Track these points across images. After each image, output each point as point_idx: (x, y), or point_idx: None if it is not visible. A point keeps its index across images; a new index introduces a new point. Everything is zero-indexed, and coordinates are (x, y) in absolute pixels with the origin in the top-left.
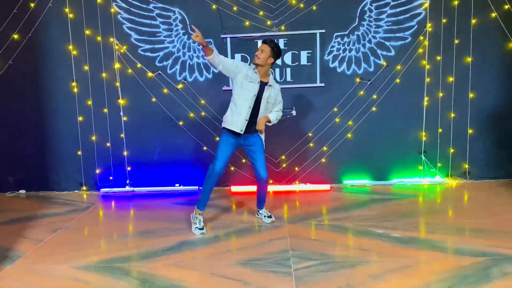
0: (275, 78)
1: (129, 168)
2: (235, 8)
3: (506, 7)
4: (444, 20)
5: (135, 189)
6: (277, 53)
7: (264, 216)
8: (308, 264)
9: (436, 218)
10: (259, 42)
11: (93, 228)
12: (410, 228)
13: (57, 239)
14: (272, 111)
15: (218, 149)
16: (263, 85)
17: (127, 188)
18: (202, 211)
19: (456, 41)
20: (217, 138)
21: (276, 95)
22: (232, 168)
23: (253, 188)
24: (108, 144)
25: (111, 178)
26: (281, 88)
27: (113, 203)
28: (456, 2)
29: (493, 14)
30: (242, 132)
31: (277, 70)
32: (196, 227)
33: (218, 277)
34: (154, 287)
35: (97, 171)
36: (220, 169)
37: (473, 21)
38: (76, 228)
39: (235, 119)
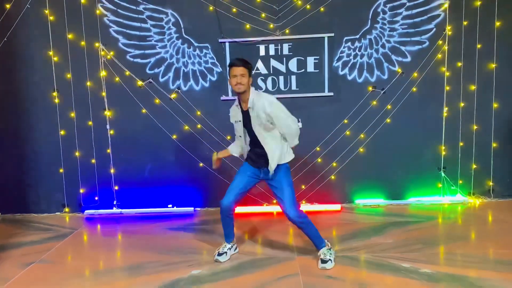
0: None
1: (116, 188)
2: (234, 10)
3: None
4: (465, 23)
5: (123, 210)
6: (251, 67)
7: (320, 259)
8: None
9: (465, 247)
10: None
11: (73, 262)
12: (439, 261)
13: (29, 276)
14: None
15: (232, 181)
16: (245, 113)
17: (114, 210)
18: (227, 243)
19: (479, 46)
20: (215, 153)
21: (263, 110)
22: None
23: (257, 209)
24: (93, 161)
25: (96, 198)
26: (286, 98)
27: (98, 227)
28: (478, 3)
29: None
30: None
31: (281, 78)
32: (218, 251)
33: None
34: None
35: (81, 191)
36: (227, 204)
37: (497, 23)
38: (53, 262)
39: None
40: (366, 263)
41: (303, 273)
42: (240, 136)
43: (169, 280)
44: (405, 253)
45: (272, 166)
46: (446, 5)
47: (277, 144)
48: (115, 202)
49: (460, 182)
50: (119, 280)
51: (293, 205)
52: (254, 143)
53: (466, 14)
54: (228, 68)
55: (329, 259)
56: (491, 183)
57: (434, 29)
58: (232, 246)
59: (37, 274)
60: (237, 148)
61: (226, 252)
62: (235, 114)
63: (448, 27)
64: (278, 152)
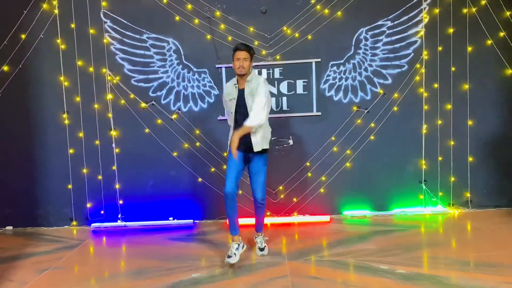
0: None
1: (121, 202)
2: (230, 38)
3: (502, 34)
4: (440, 48)
5: (127, 223)
6: (253, 53)
7: (258, 247)
8: None
9: (440, 252)
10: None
11: (83, 268)
12: (414, 263)
13: (44, 281)
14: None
15: (227, 167)
16: (241, 91)
17: (119, 223)
18: (233, 235)
19: (453, 69)
20: (213, 169)
21: (257, 87)
22: None
23: (251, 220)
24: (100, 177)
25: (102, 212)
26: (278, 117)
27: (104, 239)
28: (451, 30)
29: (489, 42)
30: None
31: (273, 99)
32: (228, 254)
33: None
34: None
35: (88, 205)
36: (231, 189)
37: (469, 48)
38: (65, 268)
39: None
40: (348, 266)
41: (292, 275)
42: (231, 113)
43: (171, 282)
44: (385, 257)
45: (255, 142)
46: (422, 33)
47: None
48: (119, 216)
49: (440, 194)
50: (125, 283)
51: (263, 190)
52: (243, 123)
53: (440, 40)
54: (232, 52)
55: (265, 246)
56: (468, 195)
57: (412, 54)
58: (239, 245)
59: (52, 278)
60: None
61: (235, 253)
62: (231, 92)
63: (424, 52)
64: (261, 132)
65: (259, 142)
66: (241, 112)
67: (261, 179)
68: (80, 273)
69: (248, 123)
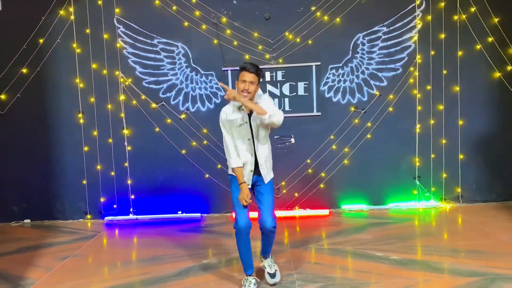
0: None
1: (132, 196)
2: (235, 43)
3: (490, 39)
4: (432, 52)
5: (139, 217)
6: (262, 76)
7: (267, 272)
8: (313, 287)
9: (432, 241)
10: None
11: (102, 256)
12: (407, 251)
13: (67, 266)
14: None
15: (234, 201)
16: (250, 114)
17: (131, 216)
18: (249, 275)
19: (445, 72)
20: (219, 166)
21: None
22: None
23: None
24: (113, 173)
25: (115, 206)
26: None
27: (117, 231)
28: (443, 36)
29: (478, 46)
30: (248, 183)
31: (276, 100)
32: None
33: None
34: None
35: (102, 200)
36: (245, 224)
37: (460, 53)
38: (85, 256)
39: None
40: (346, 253)
41: (295, 261)
42: (249, 139)
43: (184, 267)
44: (380, 246)
45: (264, 174)
46: (416, 38)
47: (269, 153)
48: (131, 209)
49: (433, 189)
50: (142, 268)
51: (273, 214)
52: (261, 149)
53: (433, 45)
54: (239, 70)
55: (275, 270)
56: (459, 190)
57: (406, 58)
58: (256, 281)
59: (74, 264)
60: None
61: None
62: (238, 116)
63: (418, 56)
64: (269, 163)
65: (268, 173)
66: (257, 135)
67: (271, 199)
68: (101, 260)
69: (270, 114)
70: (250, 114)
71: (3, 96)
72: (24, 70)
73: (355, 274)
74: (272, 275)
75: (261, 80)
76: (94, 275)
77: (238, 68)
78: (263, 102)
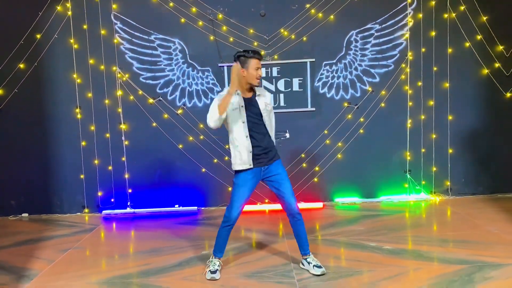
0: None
1: (130, 190)
2: (231, 39)
3: (479, 37)
4: (423, 49)
5: (136, 210)
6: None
7: (313, 265)
8: (309, 275)
9: (422, 232)
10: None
11: (102, 248)
12: (399, 241)
13: (69, 258)
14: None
15: (234, 193)
16: (248, 100)
17: (128, 210)
18: (217, 258)
19: (435, 68)
20: (215, 160)
21: (267, 100)
22: (230, 189)
23: (251, 207)
24: (110, 168)
25: (112, 200)
26: (275, 113)
27: (114, 225)
28: (433, 33)
29: (467, 44)
30: (251, 166)
31: (272, 96)
32: (209, 269)
33: None
34: None
35: (99, 194)
36: (236, 215)
37: (450, 50)
38: (85, 248)
39: (240, 155)
40: (342, 243)
41: (291, 251)
42: (243, 122)
43: (184, 258)
44: (373, 236)
45: (268, 156)
46: (407, 35)
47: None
48: (129, 203)
49: (423, 182)
50: (143, 259)
51: (294, 198)
52: (257, 133)
53: (424, 43)
54: (249, 59)
55: (320, 264)
56: (449, 183)
57: (398, 55)
58: (220, 263)
59: (76, 256)
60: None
61: (217, 270)
62: (234, 101)
63: (409, 53)
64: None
65: (271, 151)
66: (253, 121)
67: (288, 185)
68: (101, 252)
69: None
70: (247, 99)
71: (0, 91)
72: (22, 66)
73: (349, 263)
74: (319, 266)
75: None
76: (97, 266)
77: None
78: (271, 106)
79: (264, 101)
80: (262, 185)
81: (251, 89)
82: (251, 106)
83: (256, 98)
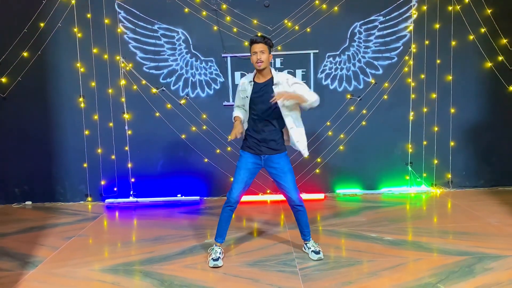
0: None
1: (132, 180)
2: (235, 30)
3: (483, 30)
4: (427, 42)
5: (139, 199)
6: (272, 45)
7: (312, 251)
8: (311, 264)
9: (423, 223)
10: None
11: (106, 235)
12: (399, 232)
13: (73, 245)
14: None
15: (234, 175)
16: (258, 87)
17: (131, 199)
18: (219, 243)
19: (438, 61)
20: (218, 151)
21: (287, 83)
22: (232, 179)
23: (253, 198)
24: (113, 157)
25: (115, 189)
26: None
27: (117, 213)
28: (437, 26)
29: (471, 37)
30: (252, 151)
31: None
32: (212, 257)
33: (231, 276)
34: (173, 287)
35: (102, 183)
36: (236, 197)
37: (453, 43)
38: (89, 236)
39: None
40: (343, 234)
41: (293, 240)
42: (246, 110)
43: (188, 246)
44: (374, 227)
45: (301, 149)
46: (411, 27)
47: (300, 125)
48: (131, 192)
49: (424, 175)
50: (147, 247)
51: (295, 190)
52: (264, 123)
53: (427, 35)
54: (249, 46)
55: (319, 249)
56: (450, 176)
57: (401, 47)
58: (222, 251)
59: (80, 243)
60: (242, 114)
61: (219, 257)
62: (245, 89)
63: (413, 45)
64: (303, 136)
65: (278, 144)
66: (261, 108)
67: (291, 178)
68: (105, 240)
69: (308, 96)
70: (257, 86)
71: (4, 80)
72: (25, 54)
73: (350, 253)
74: (317, 252)
75: (272, 48)
76: (101, 254)
77: (237, 55)
78: (297, 81)
79: (283, 89)
80: (264, 176)
81: (266, 74)
82: (259, 96)
83: (273, 87)
